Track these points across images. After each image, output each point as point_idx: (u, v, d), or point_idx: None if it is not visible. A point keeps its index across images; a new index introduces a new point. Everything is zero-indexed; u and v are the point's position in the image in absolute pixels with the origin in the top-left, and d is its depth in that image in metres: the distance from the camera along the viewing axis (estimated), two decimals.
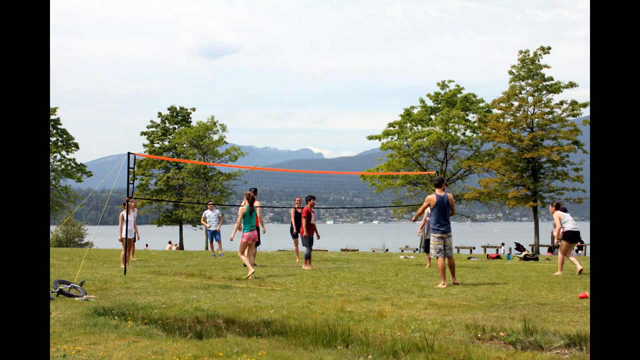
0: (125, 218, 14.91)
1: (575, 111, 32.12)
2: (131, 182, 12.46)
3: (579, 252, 28.74)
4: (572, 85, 32.03)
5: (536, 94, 32.47)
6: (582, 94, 24.61)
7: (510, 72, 33.19)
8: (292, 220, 15.84)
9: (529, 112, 32.71)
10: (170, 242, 40.22)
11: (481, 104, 36.02)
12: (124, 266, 13.02)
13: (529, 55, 32.62)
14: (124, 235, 14.75)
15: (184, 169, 41.90)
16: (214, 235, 19.15)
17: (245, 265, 12.89)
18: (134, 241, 16.11)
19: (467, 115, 35.44)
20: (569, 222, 12.56)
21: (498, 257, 19.60)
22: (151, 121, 45.15)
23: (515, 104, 32.82)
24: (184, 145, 42.35)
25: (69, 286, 8.99)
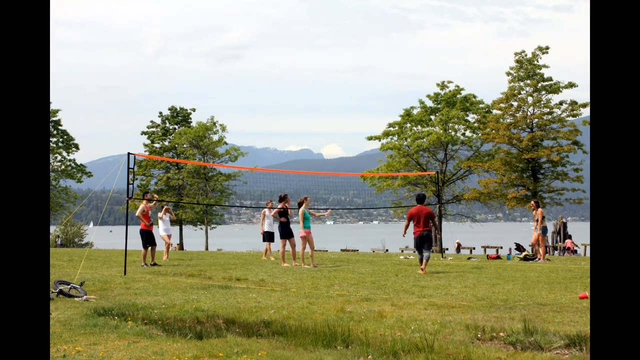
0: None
1: (575, 111, 32.09)
2: (131, 182, 12.48)
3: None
4: (571, 85, 32.01)
5: (535, 94, 32.45)
6: (583, 94, 24.60)
7: (509, 74, 33.15)
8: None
9: (528, 113, 32.70)
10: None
11: (481, 105, 36.03)
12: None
13: (525, 55, 32.56)
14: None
15: (183, 169, 41.92)
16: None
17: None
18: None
19: (467, 115, 35.44)
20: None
21: (498, 257, 19.59)
22: (151, 121, 45.17)
23: (515, 104, 32.80)
24: (184, 146, 42.36)
25: (69, 286, 9.00)
